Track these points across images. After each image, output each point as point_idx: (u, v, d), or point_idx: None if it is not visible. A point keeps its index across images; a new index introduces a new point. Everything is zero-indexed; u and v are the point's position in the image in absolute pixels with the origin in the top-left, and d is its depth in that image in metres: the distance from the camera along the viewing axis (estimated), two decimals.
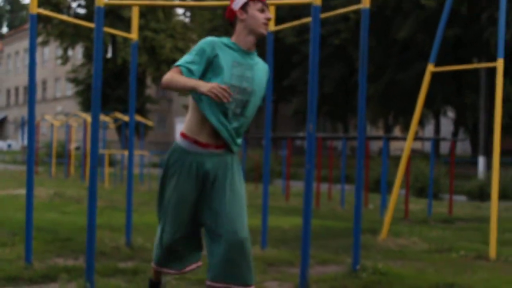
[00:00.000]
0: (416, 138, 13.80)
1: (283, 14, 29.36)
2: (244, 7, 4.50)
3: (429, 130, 56.93)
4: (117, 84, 43.59)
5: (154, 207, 16.40)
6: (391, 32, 39.36)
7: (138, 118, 31.19)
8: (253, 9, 4.48)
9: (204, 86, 4.06)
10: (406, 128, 47.43)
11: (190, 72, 4.28)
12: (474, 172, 34.38)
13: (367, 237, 9.88)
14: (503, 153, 14.48)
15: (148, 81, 50.69)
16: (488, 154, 33.51)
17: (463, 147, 50.95)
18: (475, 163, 37.46)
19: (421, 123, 54.20)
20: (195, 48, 4.43)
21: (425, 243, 10.16)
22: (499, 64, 9.41)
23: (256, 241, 7.94)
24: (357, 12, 7.69)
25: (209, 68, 4.38)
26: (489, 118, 34.72)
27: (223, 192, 4.49)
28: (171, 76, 4.26)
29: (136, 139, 39.25)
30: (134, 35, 9.05)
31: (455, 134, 50.69)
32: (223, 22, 51.75)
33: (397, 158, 12.88)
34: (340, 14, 9.29)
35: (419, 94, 10.65)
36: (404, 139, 12.65)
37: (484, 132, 36.86)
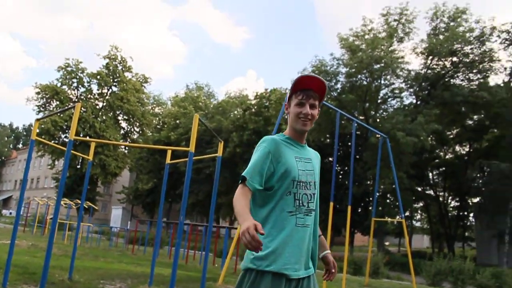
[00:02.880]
0: None
1: (179, 153, 29.35)
2: (290, 100, 2.52)
3: None
4: (82, 184, 41.53)
5: (91, 257, 15.00)
6: (237, 169, 40.06)
7: (89, 203, 30.38)
8: (294, 103, 2.47)
9: (242, 225, 1.95)
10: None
11: (255, 188, 2.27)
12: None
13: (210, 283, 9.55)
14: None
15: (99, 183, 48.53)
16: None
17: None
18: None
19: None
20: (260, 150, 2.37)
21: None
22: (349, 208, 11.09)
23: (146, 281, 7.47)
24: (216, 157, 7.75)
25: (277, 167, 2.33)
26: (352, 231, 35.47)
27: None
28: (237, 196, 2.20)
29: (87, 216, 37.54)
30: (90, 157, 8.71)
31: None
32: (146, 154, 50.92)
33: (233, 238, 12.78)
34: (208, 157, 9.36)
35: None
36: (236, 228, 12.56)
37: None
